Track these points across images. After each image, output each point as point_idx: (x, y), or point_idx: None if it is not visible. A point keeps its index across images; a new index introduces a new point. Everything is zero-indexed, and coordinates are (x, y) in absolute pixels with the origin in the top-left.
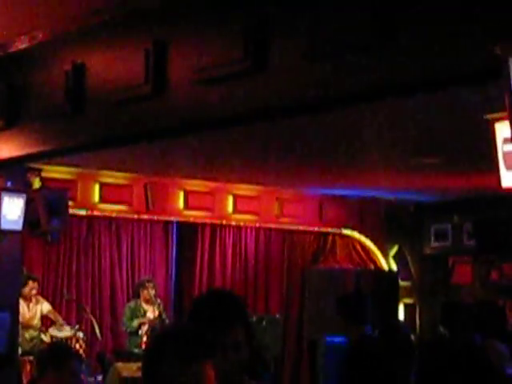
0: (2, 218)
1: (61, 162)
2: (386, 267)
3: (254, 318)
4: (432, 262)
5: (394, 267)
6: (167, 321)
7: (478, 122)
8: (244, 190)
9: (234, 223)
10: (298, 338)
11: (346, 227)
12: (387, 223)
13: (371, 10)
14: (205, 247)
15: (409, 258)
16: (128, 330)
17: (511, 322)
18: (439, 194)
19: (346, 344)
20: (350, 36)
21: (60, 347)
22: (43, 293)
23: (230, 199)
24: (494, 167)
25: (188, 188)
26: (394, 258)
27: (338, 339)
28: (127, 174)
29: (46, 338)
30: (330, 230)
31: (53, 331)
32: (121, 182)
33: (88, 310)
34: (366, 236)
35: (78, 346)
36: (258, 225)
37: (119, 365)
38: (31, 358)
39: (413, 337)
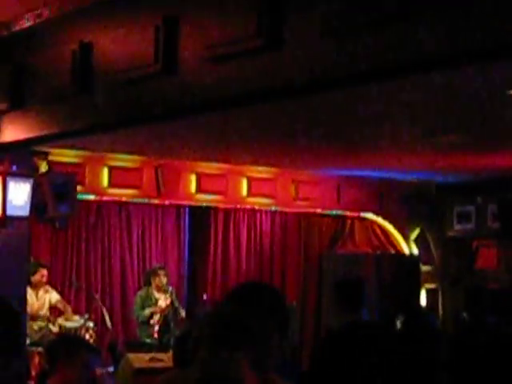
0: (7, 204)
1: (68, 145)
2: (406, 251)
3: None
4: (455, 245)
5: (416, 251)
6: (180, 309)
7: (503, 98)
8: (259, 172)
9: (248, 207)
10: (316, 326)
11: (365, 210)
12: (408, 205)
13: None
14: (218, 232)
15: (431, 241)
16: (139, 320)
17: None
18: (462, 175)
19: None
20: (366, 11)
21: (71, 338)
22: (51, 281)
23: (244, 182)
24: None
25: (200, 171)
26: (416, 241)
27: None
28: (137, 157)
29: (54, 329)
30: (348, 213)
31: (62, 321)
32: (130, 165)
33: (98, 298)
34: (386, 219)
35: (87, 336)
36: (273, 208)
37: (131, 356)
38: (40, 349)
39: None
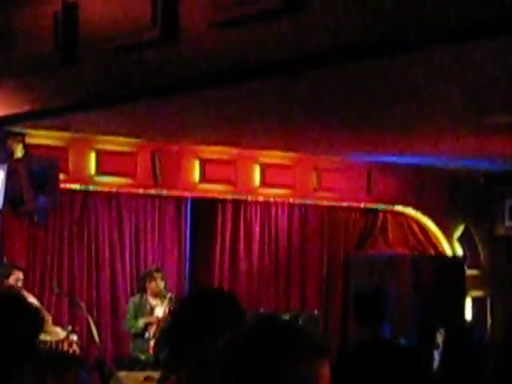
0: None
1: (49, 125)
2: (449, 252)
3: (288, 316)
4: (506, 245)
5: (460, 252)
6: None
7: None
8: (274, 157)
9: (261, 199)
10: (342, 340)
11: (400, 203)
12: (451, 198)
13: None
14: (226, 229)
15: (477, 240)
16: (132, 332)
17: None
18: None
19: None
20: None
21: (61, 354)
22: (27, 286)
23: (257, 169)
24: None
25: (205, 156)
26: (460, 240)
27: (396, 342)
28: (130, 140)
29: None
30: (379, 206)
31: (40, 334)
32: (122, 149)
33: (83, 306)
34: (425, 214)
35: (71, 351)
36: (291, 200)
37: (122, 374)
38: None
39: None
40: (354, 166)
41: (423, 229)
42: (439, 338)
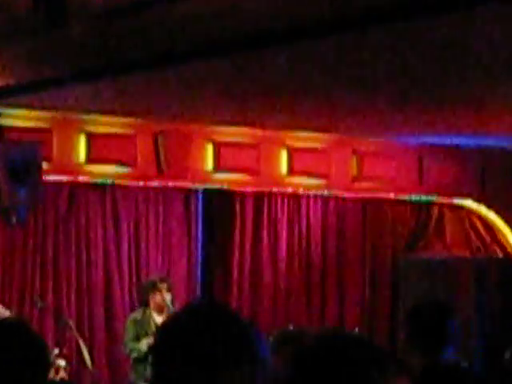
0: None
1: (29, 103)
2: None
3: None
4: None
5: None
6: None
7: None
8: (304, 140)
9: (289, 190)
10: None
11: (459, 194)
12: None
13: None
14: (246, 227)
15: None
16: (132, 355)
17: None
18: None
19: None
20: None
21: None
22: (4, 299)
23: (284, 155)
24: None
25: (219, 139)
26: None
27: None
28: (128, 120)
29: None
30: (435, 198)
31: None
32: (118, 131)
33: (72, 324)
34: (491, 207)
35: (57, 378)
36: (325, 192)
37: None
38: None
39: None
40: (402, 149)
41: (488, 226)
42: (508, 356)
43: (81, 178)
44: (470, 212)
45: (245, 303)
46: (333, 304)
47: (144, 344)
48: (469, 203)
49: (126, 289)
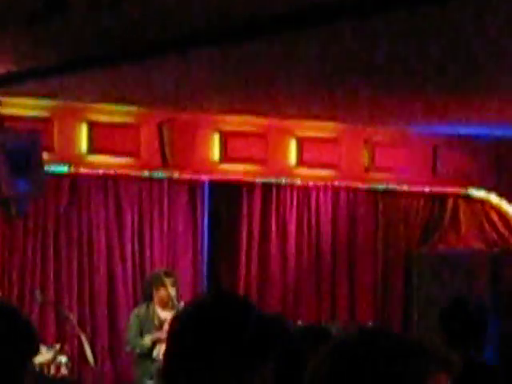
0: None
1: (29, 92)
2: None
3: (334, 329)
4: None
5: None
6: None
7: None
8: (314, 129)
9: (298, 182)
10: None
11: (474, 185)
12: None
13: None
14: (253, 219)
15: None
16: (136, 352)
17: None
18: None
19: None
20: None
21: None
22: (3, 294)
23: (293, 144)
24: None
25: (226, 128)
26: None
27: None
28: (131, 109)
29: None
30: (449, 189)
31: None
32: (122, 120)
33: (74, 320)
34: (507, 199)
35: (59, 375)
36: (336, 183)
37: None
38: None
39: None
40: (415, 139)
41: (505, 218)
42: None
43: (82, 169)
44: (485, 204)
45: (252, 297)
46: (344, 298)
47: (147, 340)
48: (484, 194)
49: (130, 283)
